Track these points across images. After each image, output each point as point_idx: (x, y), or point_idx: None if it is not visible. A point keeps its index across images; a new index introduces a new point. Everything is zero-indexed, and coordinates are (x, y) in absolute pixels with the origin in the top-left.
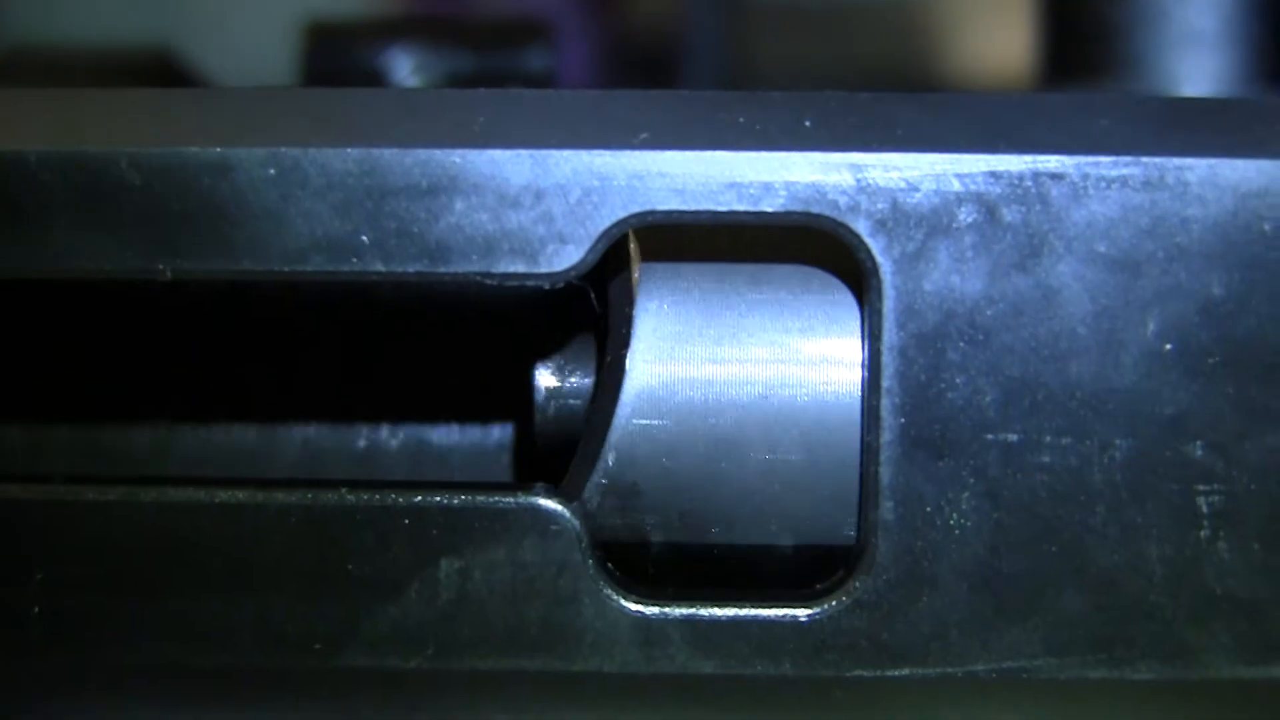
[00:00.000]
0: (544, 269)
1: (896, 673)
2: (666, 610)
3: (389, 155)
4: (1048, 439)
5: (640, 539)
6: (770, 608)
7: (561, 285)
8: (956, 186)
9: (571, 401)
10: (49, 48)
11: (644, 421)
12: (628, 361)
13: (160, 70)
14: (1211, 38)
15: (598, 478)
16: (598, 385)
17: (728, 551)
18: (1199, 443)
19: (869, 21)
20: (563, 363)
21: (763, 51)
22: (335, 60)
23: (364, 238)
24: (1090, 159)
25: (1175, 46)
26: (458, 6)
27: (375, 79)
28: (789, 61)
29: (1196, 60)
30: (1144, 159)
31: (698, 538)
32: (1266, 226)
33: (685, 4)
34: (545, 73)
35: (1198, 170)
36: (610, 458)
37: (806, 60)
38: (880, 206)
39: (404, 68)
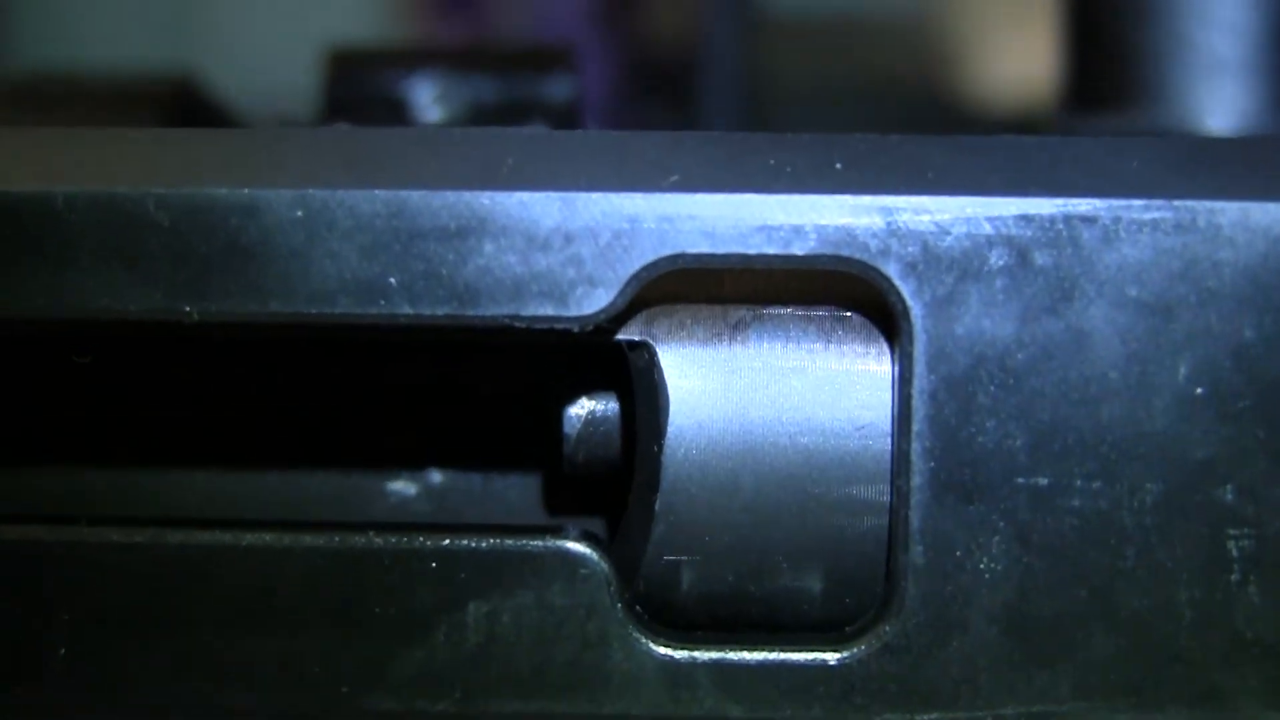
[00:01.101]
0: (573, 312)
1: (926, 717)
2: (695, 654)
3: (417, 197)
4: (1078, 483)
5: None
6: (799, 651)
7: (591, 329)
8: (988, 230)
9: (600, 441)
10: (69, 75)
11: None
12: (663, 454)
13: (182, 98)
14: (1237, 67)
15: (649, 555)
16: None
17: (759, 596)
18: (1229, 486)
19: (888, 40)
20: (591, 404)
21: (781, 69)
22: (356, 88)
23: (392, 280)
24: (1122, 202)
25: (1201, 75)
26: (479, 29)
27: (397, 107)
28: (807, 79)
29: (1222, 89)
30: (1175, 202)
31: (730, 587)
32: None
33: (703, 23)
34: (569, 100)
35: (1229, 213)
36: (658, 531)
37: (824, 78)
38: (911, 250)
39: (426, 96)
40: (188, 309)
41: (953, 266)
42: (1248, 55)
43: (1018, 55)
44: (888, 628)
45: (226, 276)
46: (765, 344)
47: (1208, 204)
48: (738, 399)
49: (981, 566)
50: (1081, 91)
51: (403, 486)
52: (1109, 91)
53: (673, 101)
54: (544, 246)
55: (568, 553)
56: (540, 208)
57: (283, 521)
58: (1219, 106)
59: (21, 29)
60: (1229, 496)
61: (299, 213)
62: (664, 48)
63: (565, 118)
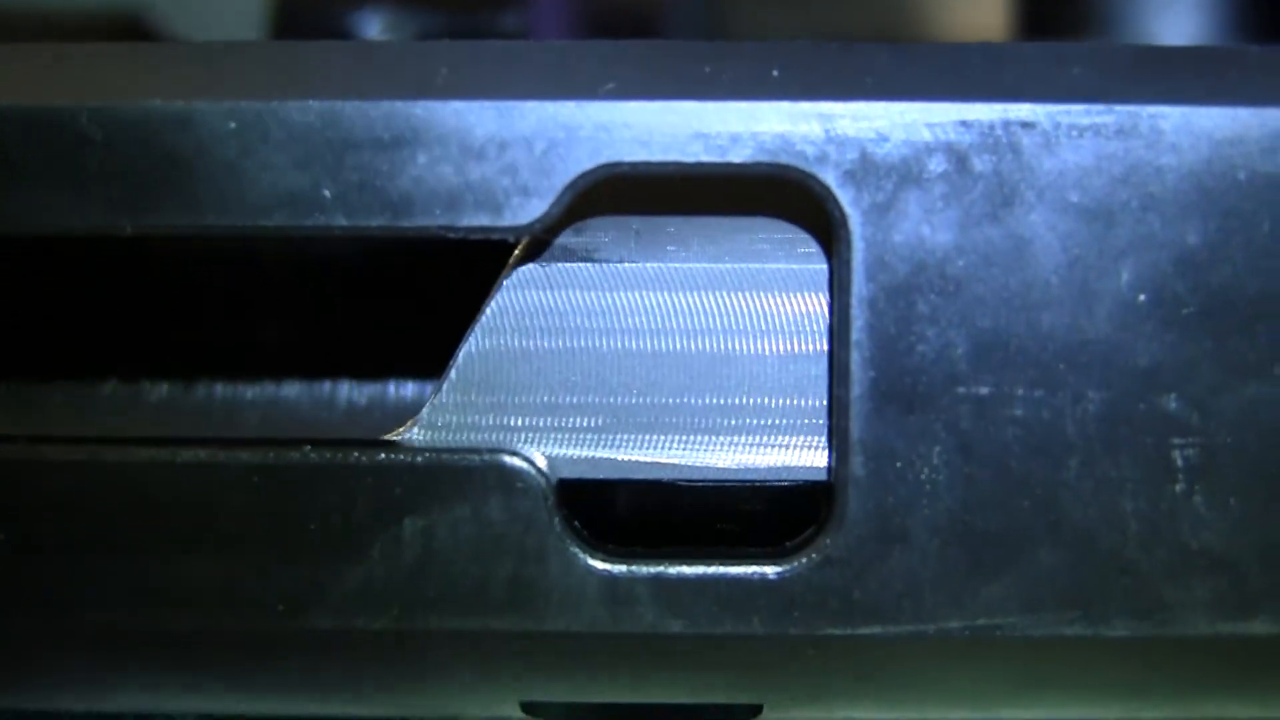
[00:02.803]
0: (508, 222)
1: (868, 631)
2: (634, 568)
3: (350, 108)
4: (1020, 392)
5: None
6: (739, 565)
7: (526, 239)
8: (927, 136)
9: None
10: (19, 10)
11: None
12: None
13: (133, 33)
14: None
15: None
16: None
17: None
18: (1174, 395)
19: None
20: None
21: (740, 25)
22: (305, 21)
23: (326, 192)
24: (1062, 107)
25: (1152, 2)
26: None
27: (346, 40)
28: (772, 20)
29: (1173, 15)
30: (1117, 107)
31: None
32: (1241, 175)
33: None
34: (518, 34)
35: (1172, 118)
36: None
37: (789, 20)
38: (849, 157)
39: (374, 29)
40: (123, 223)
41: (891, 173)
42: None
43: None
44: (828, 540)
45: (161, 190)
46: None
47: (1150, 108)
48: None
49: (923, 478)
50: (1032, 20)
51: (345, 400)
52: (1060, 19)
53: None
54: (478, 156)
55: (504, 468)
56: (474, 117)
57: (218, 438)
58: (1170, 33)
59: None
60: (1173, 405)
61: (232, 124)
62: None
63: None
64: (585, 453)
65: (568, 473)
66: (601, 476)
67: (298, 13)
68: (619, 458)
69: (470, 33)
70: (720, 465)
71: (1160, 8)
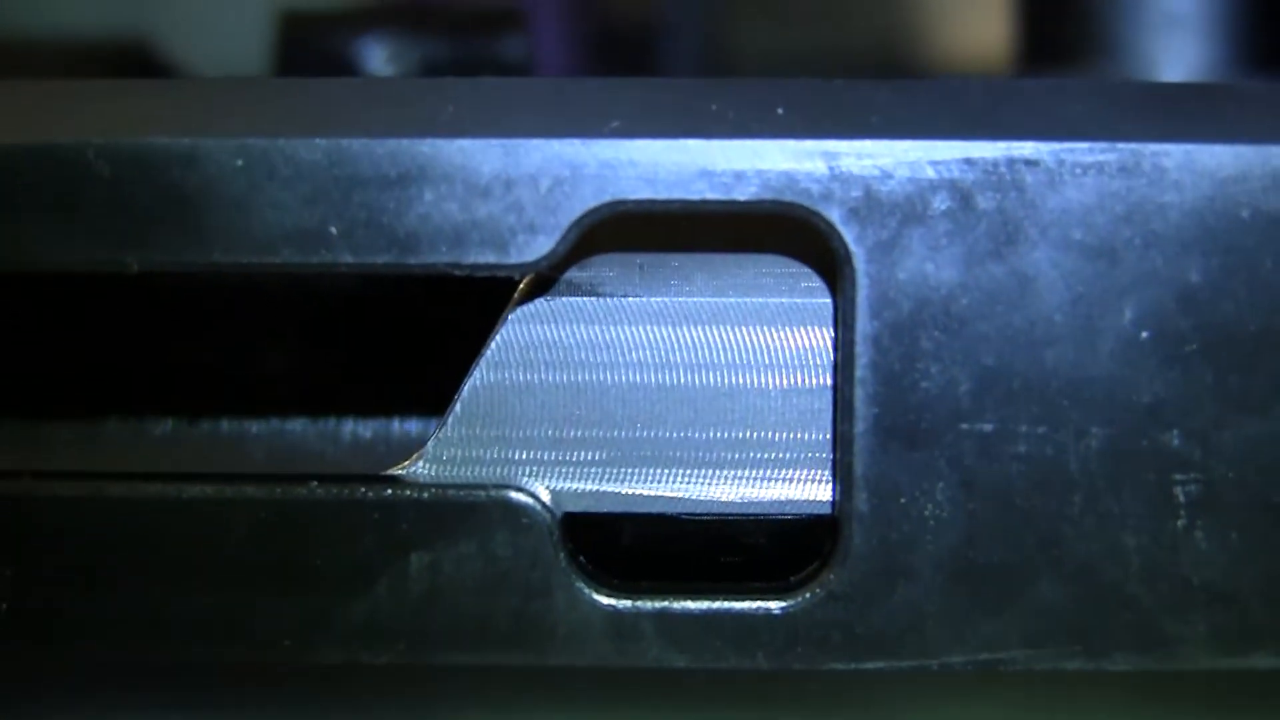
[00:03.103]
0: (514, 260)
1: (871, 665)
2: (639, 603)
3: (357, 145)
4: (1023, 428)
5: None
6: (743, 600)
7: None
8: (930, 174)
9: None
10: (22, 36)
11: None
12: None
13: (135, 60)
14: (1190, 22)
15: None
16: None
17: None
18: (1176, 431)
19: (848, 7)
20: None
21: (741, 31)
22: (308, 50)
23: (332, 229)
24: (1065, 145)
25: (1154, 31)
26: None
27: (349, 68)
28: (770, 50)
29: (1175, 45)
30: (1120, 145)
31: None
32: (1244, 213)
33: None
34: (521, 61)
35: (1174, 156)
36: None
37: (788, 48)
38: (853, 194)
39: (378, 57)
40: (129, 259)
41: (895, 210)
42: (1201, 10)
43: (975, 15)
44: (832, 576)
45: (168, 226)
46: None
47: (1152, 146)
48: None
49: (927, 513)
50: (1035, 48)
51: (350, 436)
52: (1063, 47)
53: (632, 64)
54: (485, 194)
55: (510, 503)
56: (481, 155)
57: (224, 474)
58: (1173, 62)
59: None
60: (1175, 441)
61: (239, 161)
62: (624, 16)
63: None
64: (590, 486)
65: (572, 506)
66: (606, 510)
67: (301, 40)
68: (623, 491)
69: (472, 59)
70: (724, 499)
71: (1163, 37)
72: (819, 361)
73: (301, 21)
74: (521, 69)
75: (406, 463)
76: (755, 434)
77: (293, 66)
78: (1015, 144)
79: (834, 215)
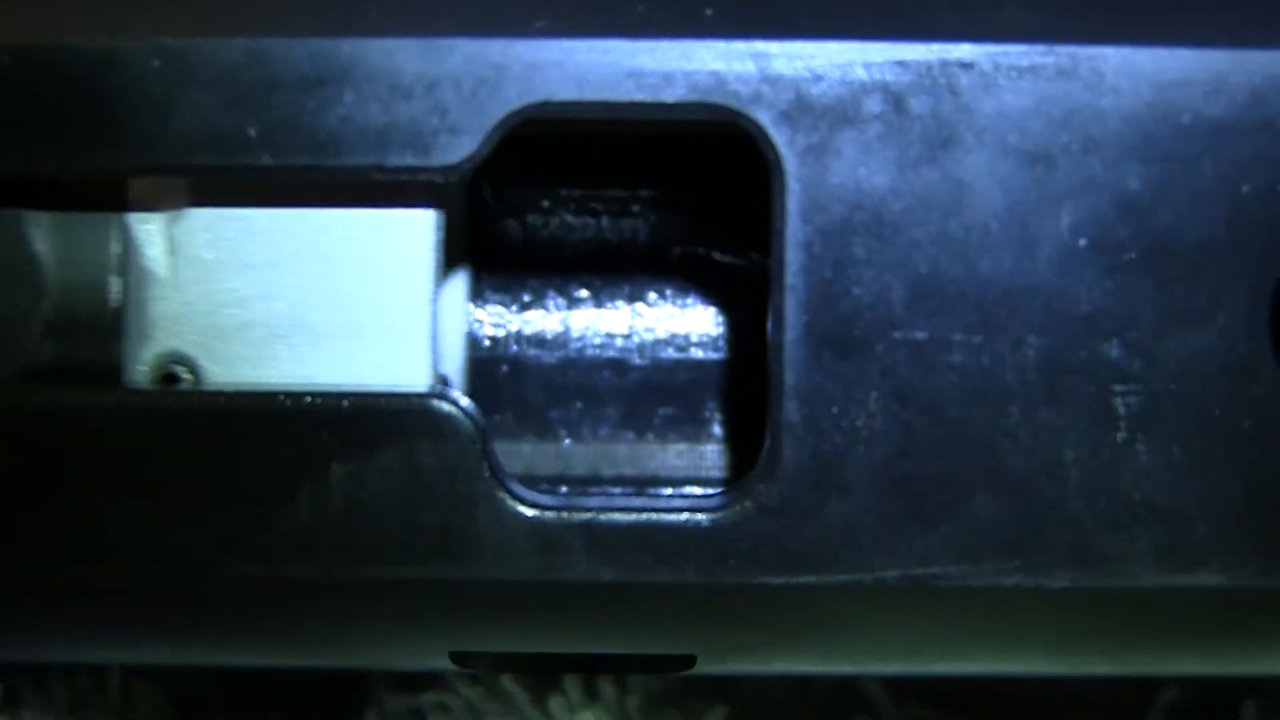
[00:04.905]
0: (437, 161)
1: (803, 579)
2: (565, 516)
3: (277, 45)
4: (958, 337)
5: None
6: (672, 513)
7: (455, 179)
8: (862, 75)
9: None
10: None
11: None
12: None
13: None
14: None
15: None
16: None
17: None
18: (1116, 341)
19: None
20: None
21: None
22: None
23: (251, 131)
24: (1001, 47)
25: None
26: None
27: None
28: None
29: None
30: (1057, 47)
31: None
32: (1186, 118)
33: None
34: None
35: (1113, 59)
36: None
37: None
38: (783, 97)
39: None
40: (47, 162)
41: (826, 114)
42: None
43: None
44: (762, 488)
45: (85, 129)
46: None
47: (1091, 49)
48: None
49: (859, 424)
50: None
51: None
52: None
53: None
54: (407, 94)
55: (433, 411)
56: (403, 55)
57: (141, 387)
58: None
59: None
60: (1115, 352)
61: (156, 63)
62: None
63: None
64: None
65: None
66: None
67: None
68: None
69: None
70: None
71: None
72: None
73: None
74: None
75: None
76: None
77: None
78: (949, 45)
79: (764, 118)
